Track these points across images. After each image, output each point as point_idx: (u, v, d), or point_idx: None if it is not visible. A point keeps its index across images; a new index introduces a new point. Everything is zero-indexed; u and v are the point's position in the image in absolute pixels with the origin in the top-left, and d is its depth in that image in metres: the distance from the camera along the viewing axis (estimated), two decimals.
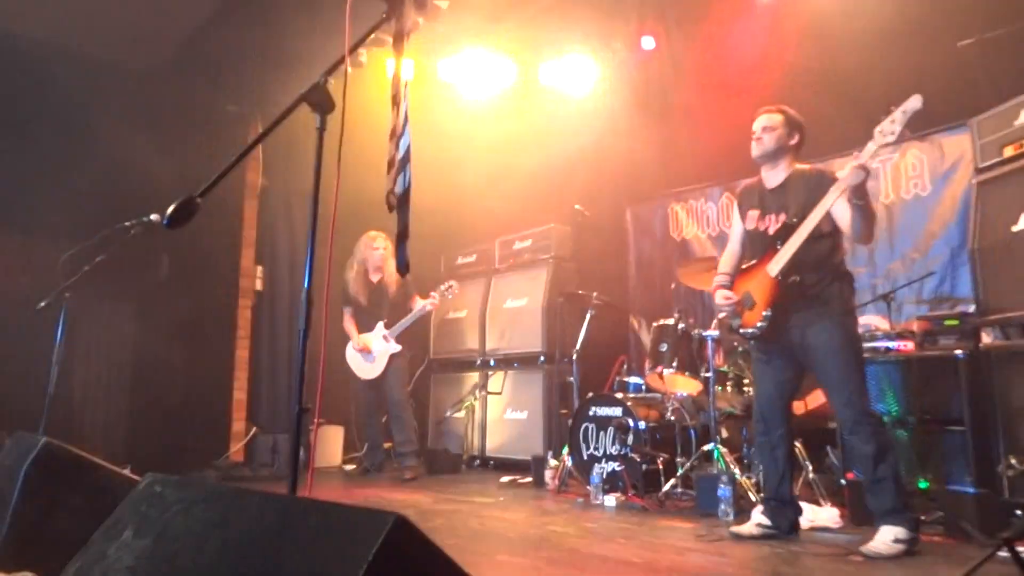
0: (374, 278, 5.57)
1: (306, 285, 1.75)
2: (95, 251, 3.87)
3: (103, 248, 3.85)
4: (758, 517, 3.24)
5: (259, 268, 6.37)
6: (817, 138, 3.50)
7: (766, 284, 3.07)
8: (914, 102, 2.69)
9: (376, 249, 5.49)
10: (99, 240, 3.82)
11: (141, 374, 5.58)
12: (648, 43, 6.08)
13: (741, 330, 3.22)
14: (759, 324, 3.09)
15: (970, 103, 4.04)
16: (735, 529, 3.25)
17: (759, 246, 3.20)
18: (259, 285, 6.38)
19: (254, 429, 6.05)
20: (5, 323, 4.55)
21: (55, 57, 5.04)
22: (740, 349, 4.37)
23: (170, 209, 1.61)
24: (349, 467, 6.01)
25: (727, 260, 3.45)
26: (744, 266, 3.31)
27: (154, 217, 3.84)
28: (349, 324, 5.58)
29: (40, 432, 3.16)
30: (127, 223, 3.87)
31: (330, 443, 6.11)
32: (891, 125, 2.71)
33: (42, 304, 3.94)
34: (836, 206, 2.91)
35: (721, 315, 3.64)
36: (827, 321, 2.98)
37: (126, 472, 2.94)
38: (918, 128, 4.72)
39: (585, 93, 6.37)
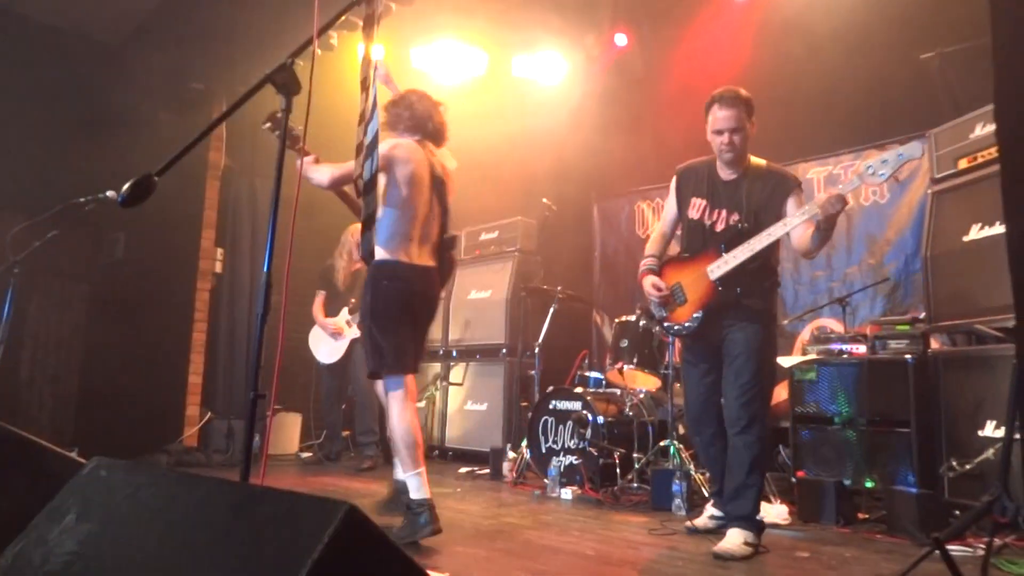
0: (356, 267, 5.52)
1: (266, 268, 1.72)
2: (47, 226, 3.75)
3: (56, 223, 3.74)
4: (711, 510, 3.29)
5: (219, 250, 6.23)
6: (781, 142, 3.53)
7: (702, 285, 2.96)
8: (912, 149, 2.53)
9: (356, 234, 5.43)
10: (52, 215, 3.70)
11: (92, 355, 5.44)
12: (621, 40, 6.11)
13: (666, 324, 3.12)
14: (687, 324, 3.01)
15: (928, 115, 4.16)
16: (690, 523, 3.30)
17: (699, 239, 3.04)
18: (219, 268, 6.25)
19: (208, 414, 5.93)
20: None
21: (13, 25, 4.85)
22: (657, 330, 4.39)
23: (126, 187, 1.56)
24: (306, 455, 5.95)
25: (655, 242, 3.26)
26: (677, 254, 3.16)
27: (110, 194, 3.73)
28: (318, 308, 5.54)
29: None
30: (82, 199, 3.76)
31: (287, 430, 6.03)
32: (882, 166, 2.58)
33: None
34: (797, 227, 2.80)
35: (646, 303, 3.39)
36: (753, 323, 2.91)
37: (73, 455, 2.86)
38: (878, 137, 4.84)
39: (557, 88, 6.38)
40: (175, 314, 5.87)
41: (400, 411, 2.91)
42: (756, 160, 3.06)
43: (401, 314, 2.96)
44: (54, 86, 4.82)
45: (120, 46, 5.34)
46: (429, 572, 0.98)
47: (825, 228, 2.71)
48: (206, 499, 1.01)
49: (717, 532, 3.10)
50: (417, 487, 2.86)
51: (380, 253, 2.92)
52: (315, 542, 0.79)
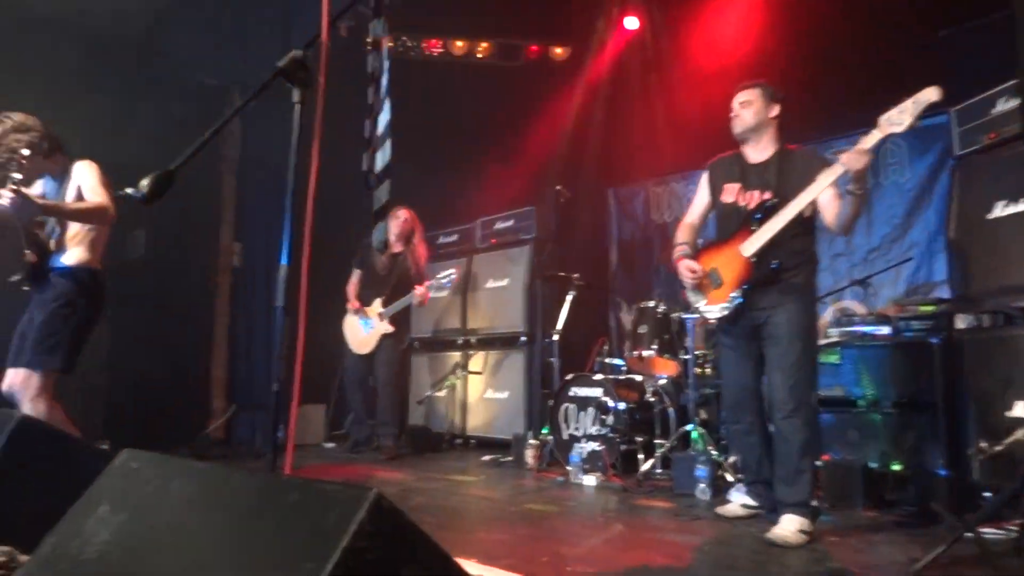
0: (396, 249, 5.50)
1: (284, 261, 1.73)
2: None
3: None
4: (742, 498, 3.25)
5: (237, 244, 6.29)
6: (799, 123, 3.46)
7: (737, 264, 2.92)
8: (929, 94, 2.53)
9: (397, 218, 5.42)
10: None
11: (119, 350, 5.51)
12: (632, 23, 6.05)
13: (704, 309, 3.06)
14: (725, 305, 2.95)
15: (950, 91, 4.07)
16: (720, 510, 3.26)
17: (732, 222, 3.02)
18: (237, 262, 6.31)
19: (233, 407, 6.02)
20: None
21: (32, 24, 4.89)
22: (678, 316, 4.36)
23: (145, 182, 1.58)
24: (330, 445, 6.01)
25: (685, 231, 3.26)
26: (711, 241, 3.14)
27: (129, 191, 3.76)
28: (352, 287, 5.54)
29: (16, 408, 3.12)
30: None
31: (312, 421, 6.09)
32: (899, 115, 2.57)
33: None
34: (824, 193, 2.78)
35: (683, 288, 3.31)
36: (794, 304, 2.86)
37: (103, 448, 2.91)
38: None
39: (568, 74, 6.34)
40: (197, 309, 5.94)
41: None
42: (788, 146, 3.06)
43: None
44: (70, 82, 4.86)
45: (135, 43, 5.38)
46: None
47: (856, 191, 2.66)
48: (235, 489, 1.03)
49: (748, 519, 3.09)
50: None
51: None
52: (344, 528, 0.80)
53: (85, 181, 3.09)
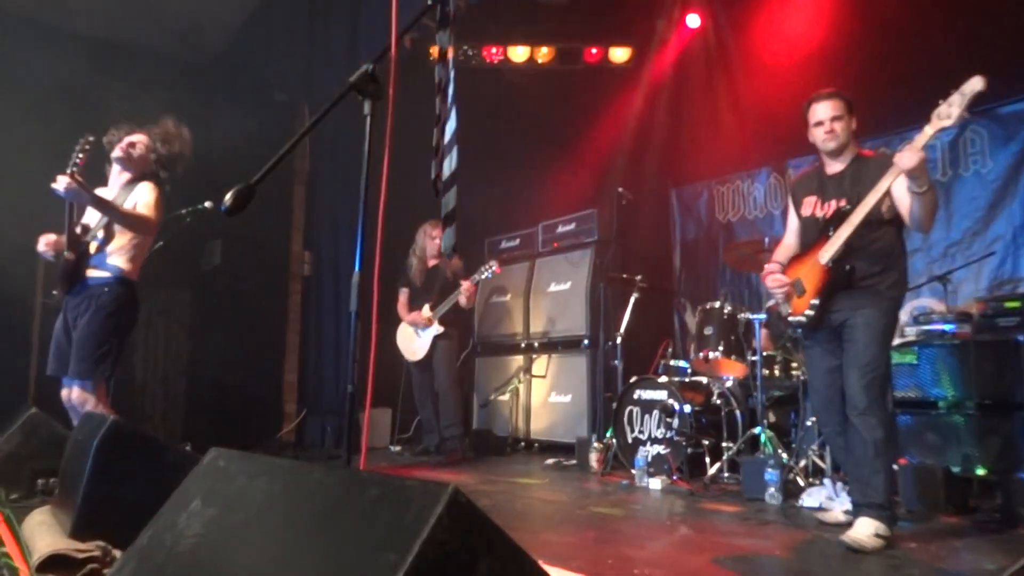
0: (431, 264, 5.64)
1: (357, 267, 1.79)
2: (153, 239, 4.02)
3: (160, 236, 4.00)
4: (845, 503, 3.15)
5: (307, 253, 6.51)
6: (867, 119, 3.37)
7: (817, 272, 2.97)
8: (974, 84, 2.50)
9: (434, 239, 5.55)
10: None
11: (197, 357, 5.78)
12: (693, 21, 5.97)
13: (790, 318, 3.11)
14: (807, 312, 2.99)
15: None
16: (821, 516, 3.19)
17: (812, 233, 3.08)
18: (307, 270, 6.52)
19: (304, 411, 6.22)
20: None
21: (110, 52, 5.21)
22: (789, 333, 4.29)
23: (228, 196, 1.66)
24: (396, 448, 6.13)
25: (780, 252, 3.33)
26: (797, 254, 3.18)
27: (208, 204, 3.96)
28: (402, 305, 5.69)
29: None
30: (182, 211, 4.00)
31: (378, 425, 6.23)
32: (948, 108, 2.55)
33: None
34: (898, 190, 2.77)
35: (771, 302, 3.49)
36: (873, 309, 2.86)
37: (187, 450, 3.06)
38: (979, 102, 4.54)
39: (629, 74, 6.31)
40: (269, 316, 6.17)
41: None
42: (863, 152, 3.05)
43: None
44: (152, 108, 5.15)
45: (209, 66, 5.65)
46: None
47: (916, 190, 2.64)
48: (318, 484, 1.08)
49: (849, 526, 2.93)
50: None
51: None
52: (423, 522, 0.83)
53: (143, 197, 3.28)
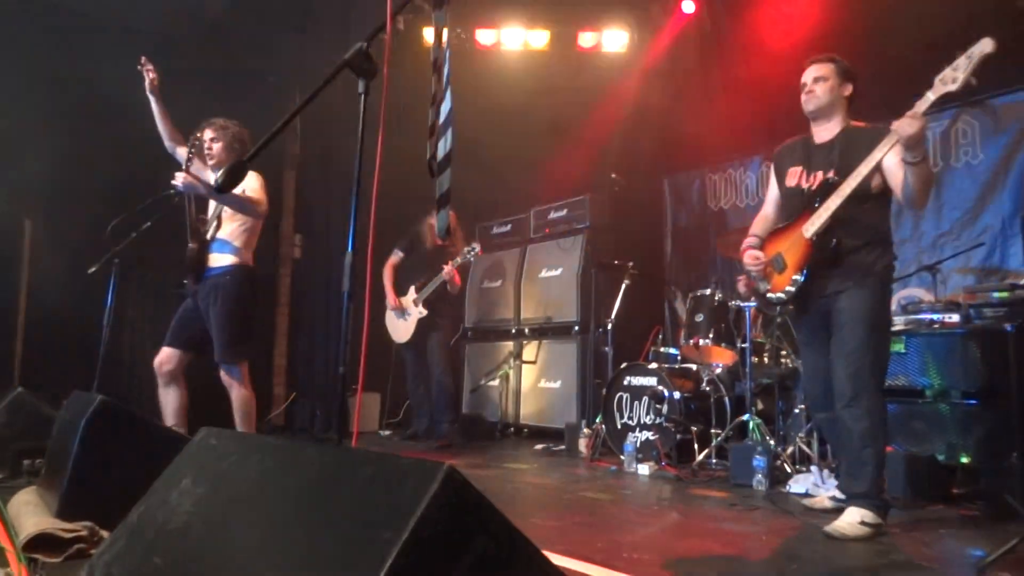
0: (439, 243, 5.56)
1: (350, 249, 1.78)
2: (141, 218, 3.99)
3: (148, 215, 3.97)
4: (832, 490, 3.14)
5: (297, 236, 6.46)
6: (867, 103, 3.33)
7: (799, 246, 2.82)
8: (983, 45, 2.36)
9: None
10: (145, 207, 3.94)
11: None
12: (688, 7, 5.94)
13: (768, 295, 2.97)
14: (787, 289, 2.86)
15: None
16: (808, 502, 3.19)
17: (796, 205, 2.93)
18: (297, 253, 6.48)
19: (293, 394, 6.20)
20: (63, 287, 4.72)
21: (98, 28, 5.11)
22: (778, 320, 4.31)
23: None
24: (385, 432, 6.13)
25: (758, 223, 3.19)
26: (777, 227, 3.04)
27: None
28: (389, 265, 5.61)
29: (94, 390, 3.30)
30: (171, 191, 3.96)
31: (367, 409, 6.23)
32: (953, 72, 2.41)
33: (92, 269, 4.08)
34: (889, 162, 2.63)
35: (748, 278, 3.27)
36: (859, 288, 2.74)
37: (179, 431, 3.04)
38: (971, 93, 4.55)
39: (623, 60, 6.27)
40: (260, 299, 6.11)
41: None
42: (855, 123, 2.92)
43: None
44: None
45: (194, 44, 5.56)
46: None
47: (912, 160, 2.51)
48: (311, 462, 1.08)
49: (835, 512, 2.93)
50: None
51: None
52: (418, 501, 0.83)
53: (249, 183, 3.54)
